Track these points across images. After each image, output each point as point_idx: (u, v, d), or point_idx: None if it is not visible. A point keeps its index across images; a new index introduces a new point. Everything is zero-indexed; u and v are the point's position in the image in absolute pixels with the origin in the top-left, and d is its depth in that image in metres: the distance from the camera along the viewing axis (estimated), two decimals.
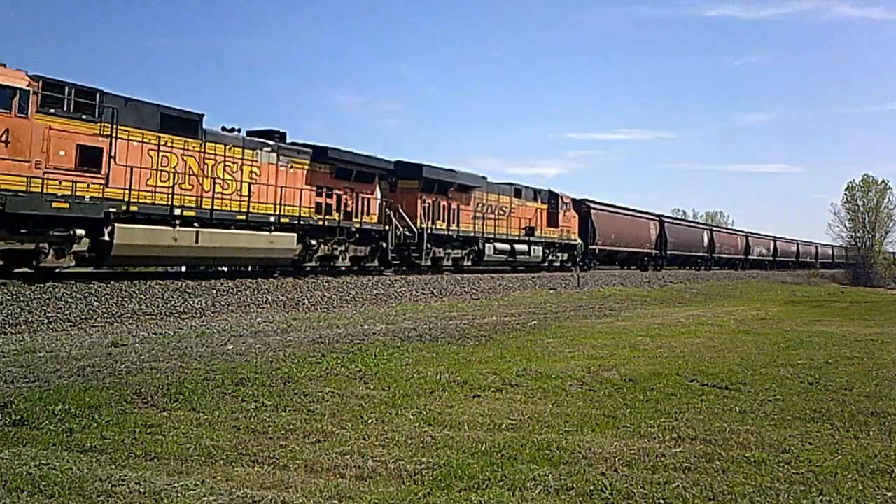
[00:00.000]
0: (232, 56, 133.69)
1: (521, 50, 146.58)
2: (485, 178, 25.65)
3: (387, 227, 20.45)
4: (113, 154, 13.27)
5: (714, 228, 57.29)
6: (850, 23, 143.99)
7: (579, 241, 32.29)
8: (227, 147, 15.96)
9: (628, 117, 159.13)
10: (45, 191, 12.07)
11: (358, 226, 19.24)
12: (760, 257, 62.13)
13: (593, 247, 35.42)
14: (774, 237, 68.23)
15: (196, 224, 14.97)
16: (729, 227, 76.23)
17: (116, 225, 13.37)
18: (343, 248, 19.26)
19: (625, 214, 40.74)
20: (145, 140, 14.06)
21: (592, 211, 35.34)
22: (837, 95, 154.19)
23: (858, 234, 77.57)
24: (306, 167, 17.97)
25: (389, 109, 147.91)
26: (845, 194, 78.78)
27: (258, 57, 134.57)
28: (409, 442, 4.89)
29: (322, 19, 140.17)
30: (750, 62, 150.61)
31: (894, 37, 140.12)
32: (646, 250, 41.87)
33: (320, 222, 18.08)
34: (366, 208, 19.75)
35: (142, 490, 3.82)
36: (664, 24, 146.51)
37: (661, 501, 3.82)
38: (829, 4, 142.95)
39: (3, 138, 11.52)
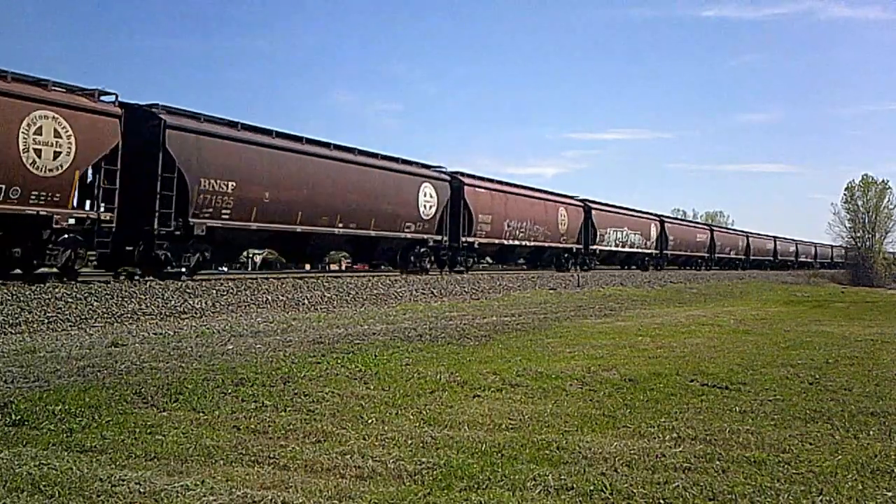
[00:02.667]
0: (230, 56, 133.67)
1: (518, 50, 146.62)
2: None
3: None
4: None
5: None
6: (847, 23, 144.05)
7: None
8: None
9: (626, 117, 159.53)
10: None
11: None
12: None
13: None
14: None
15: None
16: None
17: None
18: None
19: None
20: None
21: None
22: (836, 95, 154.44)
23: (858, 234, 77.59)
24: None
25: (388, 109, 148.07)
26: (845, 194, 78.95)
27: (256, 57, 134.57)
28: (409, 442, 4.89)
29: (320, 19, 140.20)
30: (747, 62, 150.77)
31: (891, 37, 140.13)
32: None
33: None
34: None
35: (142, 490, 3.82)
36: (661, 25, 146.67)
37: (661, 501, 3.82)
38: (825, 5, 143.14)
39: None
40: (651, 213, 43.00)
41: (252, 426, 5.23)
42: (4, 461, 4.24)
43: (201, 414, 5.56)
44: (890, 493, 4.00)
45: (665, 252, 43.06)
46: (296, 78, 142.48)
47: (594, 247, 34.34)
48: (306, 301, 15.63)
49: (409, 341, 10.10)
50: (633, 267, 40.43)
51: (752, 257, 58.22)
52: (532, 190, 30.36)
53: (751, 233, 61.14)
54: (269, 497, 3.77)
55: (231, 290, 14.85)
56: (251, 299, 14.71)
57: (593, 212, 34.35)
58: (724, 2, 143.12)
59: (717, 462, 4.51)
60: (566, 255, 32.49)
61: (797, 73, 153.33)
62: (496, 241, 26.49)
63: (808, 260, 73.47)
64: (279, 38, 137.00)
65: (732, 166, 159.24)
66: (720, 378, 7.50)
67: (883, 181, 77.64)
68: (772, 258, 63.78)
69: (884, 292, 41.78)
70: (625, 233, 38.22)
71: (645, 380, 7.31)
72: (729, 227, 70.52)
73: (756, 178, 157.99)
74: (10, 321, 10.65)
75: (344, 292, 17.04)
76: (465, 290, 20.77)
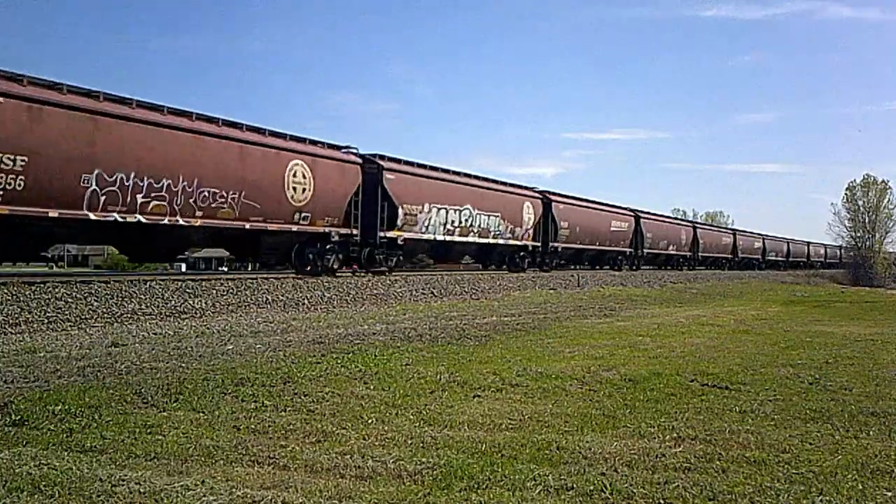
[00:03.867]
0: (229, 56, 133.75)
1: (516, 50, 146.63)
2: None
3: None
4: None
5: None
6: (847, 23, 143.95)
7: None
8: None
9: (626, 117, 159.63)
10: None
11: None
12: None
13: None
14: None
15: None
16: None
17: None
18: None
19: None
20: None
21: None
22: (835, 95, 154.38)
23: (858, 234, 77.55)
24: None
25: (386, 109, 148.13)
26: (845, 194, 78.90)
27: (255, 57, 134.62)
28: (409, 442, 4.89)
29: (318, 20, 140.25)
30: (747, 62, 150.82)
31: (890, 37, 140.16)
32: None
33: None
34: None
35: (142, 490, 3.82)
36: (661, 25, 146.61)
37: (661, 501, 3.82)
38: (824, 4, 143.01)
39: None
40: (528, 189, 28.99)
41: (252, 426, 5.23)
42: (4, 461, 4.24)
43: (201, 414, 5.56)
44: (890, 493, 4.00)
45: (553, 245, 29.48)
46: (293, 78, 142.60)
47: (391, 234, 20.14)
48: (306, 301, 15.63)
49: (409, 341, 10.10)
50: (492, 266, 27.81)
51: (700, 254, 46.16)
52: (201, 120, 14.93)
53: (697, 223, 51.39)
54: (269, 497, 3.77)
55: (231, 290, 14.84)
56: (251, 299, 14.71)
57: (387, 175, 19.85)
58: (724, 2, 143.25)
59: (717, 462, 4.51)
60: (321, 246, 18.35)
61: (797, 72, 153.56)
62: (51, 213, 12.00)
63: (779, 258, 63.15)
64: (277, 39, 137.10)
65: (732, 166, 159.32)
66: (720, 378, 7.50)
67: (883, 181, 77.66)
68: (731, 255, 52.45)
69: (884, 292, 41.78)
70: (465, 214, 23.53)
71: (645, 380, 7.30)
72: (660, 214, 46.59)
73: (756, 178, 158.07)
74: (10, 321, 10.64)
75: (344, 292, 17.04)
76: (465, 290, 20.76)
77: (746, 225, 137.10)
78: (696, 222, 48.99)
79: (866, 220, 77.52)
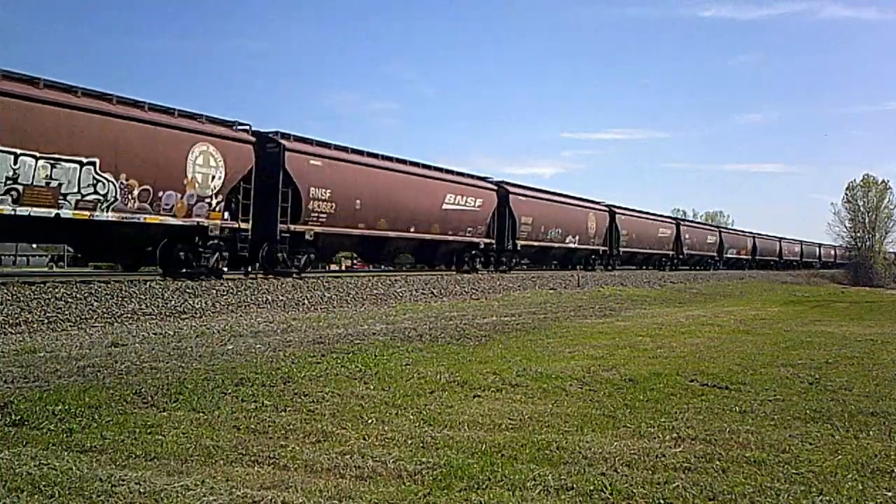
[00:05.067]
0: (228, 56, 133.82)
1: (516, 50, 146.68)
2: None
3: None
4: None
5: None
6: (845, 23, 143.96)
7: None
8: None
9: (625, 117, 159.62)
10: None
11: None
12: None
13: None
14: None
15: None
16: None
17: None
18: None
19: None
20: None
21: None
22: (835, 95, 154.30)
23: (858, 234, 77.58)
24: None
25: (386, 109, 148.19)
26: (845, 194, 78.93)
27: (254, 57, 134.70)
28: (409, 442, 4.89)
29: (317, 20, 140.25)
30: (746, 62, 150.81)
31: (889, 37, 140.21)
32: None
33: None
34: None
35: (142, 490, 3.82)
36: (660, 25, 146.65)
37: (661, 501, 3.82)
38: (824, 4, 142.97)
39: None
40: (208, 122, 15.20)
41: (252, 426, 5.23)
42: (4, 461, 4.24)
43: (201, 414, 5.56)
44: (890, 493, 4.00)
45: (299, 229, 17.23)
46: (293, 78, 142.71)
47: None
48: (306, 301, 15.63)
49: (409, 341, 10.10)
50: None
51: (622, 249, 35.11)
52: None
53: (618, 208, 35.53)
54: (269, 497, 3.76)
55: (231, 290, 14.84)
56: (251, 299, 14.70)
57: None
58: (723, 2, 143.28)
59: (717, 462, 4.51)
60: None
61: (797, 72, 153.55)
62: None
63: (741, 256, 52.99)
64: (276, 39, 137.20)
65: (732, 166, 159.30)
66: (720, 378, 7.50)
67: (883, 181, 77.68)
68: (672, 251, 41.74)
69: (884, 292, 41.78)
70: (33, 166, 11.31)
71: (645, 380, 7.30)
72: (547, 189, 30.84)
73: (756, 178, 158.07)
74: (10, 321, 10.64)
75: (344, 292, 17.04)
76: (465, 290, 20.77)
77: (746, 225, 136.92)
78: (618, 207, 34.42)
79: (866, 220, 77.55)
